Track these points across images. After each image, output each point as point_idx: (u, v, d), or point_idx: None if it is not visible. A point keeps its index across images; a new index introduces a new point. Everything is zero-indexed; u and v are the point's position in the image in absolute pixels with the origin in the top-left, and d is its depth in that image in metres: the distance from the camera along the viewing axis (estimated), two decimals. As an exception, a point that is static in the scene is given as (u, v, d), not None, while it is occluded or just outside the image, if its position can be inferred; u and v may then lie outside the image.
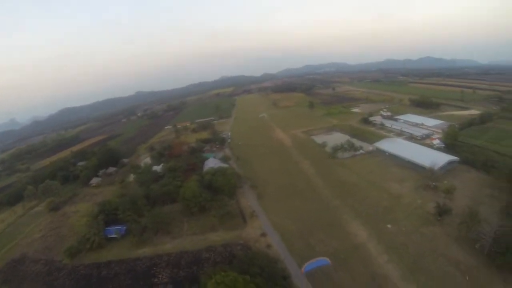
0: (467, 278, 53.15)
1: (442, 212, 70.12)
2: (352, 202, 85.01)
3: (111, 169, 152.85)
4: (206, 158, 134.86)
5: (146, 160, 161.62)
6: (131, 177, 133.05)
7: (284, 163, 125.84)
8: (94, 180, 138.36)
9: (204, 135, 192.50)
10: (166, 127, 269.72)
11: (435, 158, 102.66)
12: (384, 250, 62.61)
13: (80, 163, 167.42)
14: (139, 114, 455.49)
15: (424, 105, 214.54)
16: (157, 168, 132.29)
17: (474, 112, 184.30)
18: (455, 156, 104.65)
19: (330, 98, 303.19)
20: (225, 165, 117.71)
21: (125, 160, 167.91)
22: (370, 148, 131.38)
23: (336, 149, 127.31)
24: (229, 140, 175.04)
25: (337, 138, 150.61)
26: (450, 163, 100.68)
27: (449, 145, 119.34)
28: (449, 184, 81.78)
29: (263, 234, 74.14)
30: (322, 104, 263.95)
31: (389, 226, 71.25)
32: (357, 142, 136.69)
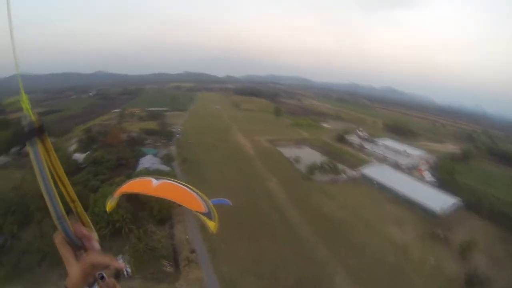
0: None
1: (473, 283, 49.89)
2: (345, 254, 58.23)
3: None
4: (145, 154, 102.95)
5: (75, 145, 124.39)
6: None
7: (244, 178, 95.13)
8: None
9: (151, 125, 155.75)
10: (113, 110, 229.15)
11: (434, 197, 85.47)
12: None
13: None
14: (90, 93, 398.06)
15: (399, 132, 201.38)
16: (80, 157, 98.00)
17: (450, 146, 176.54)
18: (455, 197, 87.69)
19: (296, 108, 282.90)
20: (165, 168, 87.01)
21: (51, 141, 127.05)
22: (354, 173, 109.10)
23: (313, 168, 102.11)
24: (178, 135, 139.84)
25: (309, 155, 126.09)
26: (452, 206, 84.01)
27: (443, 181, 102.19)
28: (468, 239, 62.50)
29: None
30: (288, 113, 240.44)
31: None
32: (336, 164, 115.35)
